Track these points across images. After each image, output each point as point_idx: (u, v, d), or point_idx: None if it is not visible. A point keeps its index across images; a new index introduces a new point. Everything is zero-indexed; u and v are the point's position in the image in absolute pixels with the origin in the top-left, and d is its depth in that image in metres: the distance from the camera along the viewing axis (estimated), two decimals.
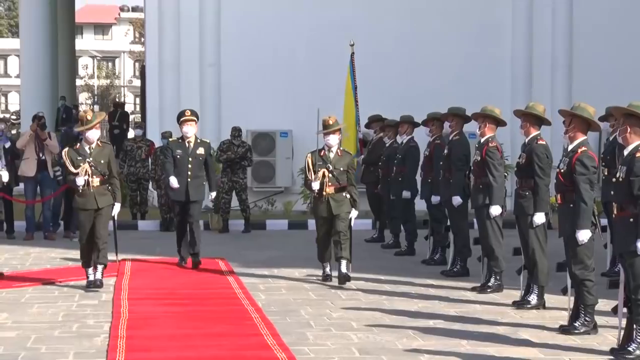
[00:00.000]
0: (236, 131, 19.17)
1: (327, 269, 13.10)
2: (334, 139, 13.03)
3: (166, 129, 19.28)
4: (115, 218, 12.97)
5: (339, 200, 12.89)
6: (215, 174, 15.62)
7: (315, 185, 12.83)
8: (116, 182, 12.70)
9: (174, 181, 14.19)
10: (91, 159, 12.31)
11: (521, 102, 19.06)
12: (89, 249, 12.45)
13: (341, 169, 12.93)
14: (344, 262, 12.78)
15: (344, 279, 12.69)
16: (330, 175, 12.87)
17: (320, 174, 12.85)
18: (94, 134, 12.47)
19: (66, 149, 12.68)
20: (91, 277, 12.47)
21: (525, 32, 23.12)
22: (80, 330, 10.13)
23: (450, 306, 11.58)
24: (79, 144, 12.67)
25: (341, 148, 13.32)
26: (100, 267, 12.47)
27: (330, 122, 13.13)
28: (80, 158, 12.30)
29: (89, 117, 12.46)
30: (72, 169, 12.28)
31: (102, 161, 12.39)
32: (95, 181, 12.33)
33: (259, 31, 22.55)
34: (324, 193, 12.83)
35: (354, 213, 13.08)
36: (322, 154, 13.06)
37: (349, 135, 17.52)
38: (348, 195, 12.99)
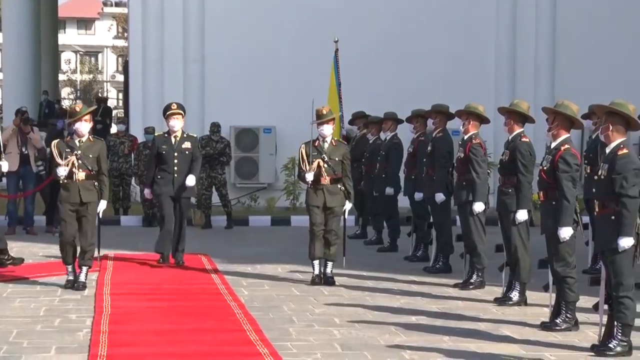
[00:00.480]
0: (215, 127, 19.23)
1: (317, 269, 12.63)
2: (327, 129, 12.76)
3: (149, 125, 19.29)
4: (100, 216, 12.63)
5: (333, 192, 12.60)
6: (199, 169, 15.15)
7: (309, 177, 12.50)
8: (105, 180, 12.32)
9: (147, 193, 14.22)
10: (79, 152, 12.00)
11: (505, 100, 19.12)
12: (70, 245, 12.09)
13: (337, 159, 12.64)
14: (330, 264, 12.68)
15: (330, 282, 12.58)
16: (325, 165, 12.56)
17: (315, 164, 12.53)
18: (83, 127, 12.14)
19: (56, 141, 12.43)
20: (70, 277, 12.20)
21: (509, 31, 23.20)
22: (62, 325, 10.12)
23: (433, 302, 11.61)
24: (69, 137, 12.46)
25: (335, 138, 13.08)
26: (84, 269, 12.18)
27: (324, 112, 12.89)
28: (69, 150, 12.01)
29: (77, 109, 12.32)
30: (59, 160, 11.98)
31: (90, 156, 12.07)
32: (81, 175, 11.98)
33: (243, 27, 22.54)
34: (320, 183, 12.50)
35: (347, 205, 12.85)
36: (316, 144, 12.77)
37: (333, 131, 17.51)
38: (342, 187, 12.69)
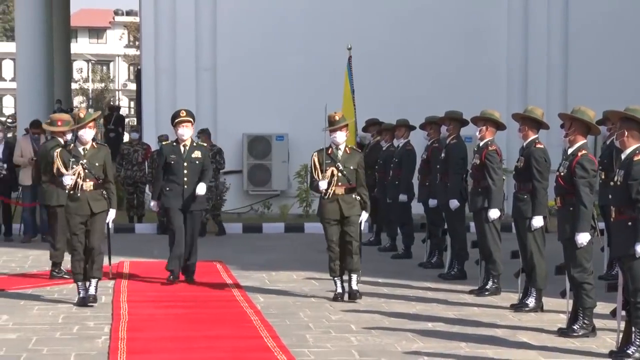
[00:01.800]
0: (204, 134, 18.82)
1: (339, 286, 11.92)
2: (341, 136, 11.95)
3: (162, 133, 19.29)
4: (110, 225, 12.23)
5: (349, 202, 11.80)
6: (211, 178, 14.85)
7: (323, 185, 11.72)
8: (112, 187, 11.74)
9: (153, 206, 13.57)
10: (85, 161, 11.40)
11: (517, 106, 19.19)
12: (82, 260, 11.44)
13: (351, 167, 11.82)
14: (354, 277, 11.89)
15: (355, 296, 11.86)
16: (339, 174, 11.77)
17: (328, 173, 11.73)
18: (87, 134, 11.52)
19: (58, 150, 11.80)
20: (82, 294, 11.47)
21: (521, 37, 23.19)
22: (81, 332, 10.14)
23: (449, 309, 11.61)
24: (72, 145, 11.86)
25: (349, 146, 12.32)
26: (94, 281, 11.53)
27: (337, 118, 12.00)
28: (74, 160, 11.38)
29: (82, 115, 11.70)
30: (63, 170, 11.36)
31: (97, 164, 11.48)
32: (88, 185, 11.41)
33: (254, 35, 22.58)
34: (334, 193, 11.76)
35: (364, 216, 12.05)
36: (329, 152, 11.94)
37: (349, 138, 17.52)
38: (358, 197, 11.92)
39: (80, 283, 11.49)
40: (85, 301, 11.41)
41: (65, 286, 12.90)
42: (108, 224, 12.00)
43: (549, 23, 23.17)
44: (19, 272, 14.49)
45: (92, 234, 11.45)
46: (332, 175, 11.76)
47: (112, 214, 11.76)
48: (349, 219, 11.82)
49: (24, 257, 16.10)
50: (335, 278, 11.93)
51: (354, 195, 11.91)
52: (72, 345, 9.51)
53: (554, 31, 23.18)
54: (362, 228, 12.23)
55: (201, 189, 12.92)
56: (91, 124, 11.59)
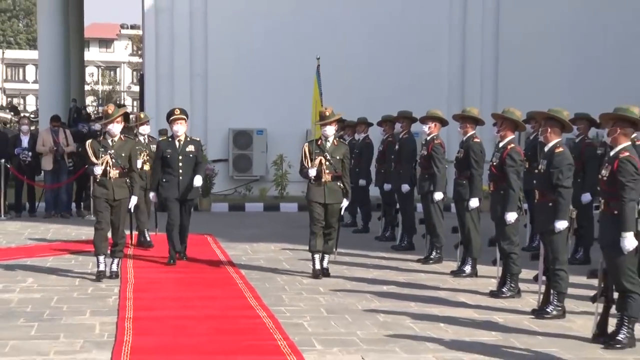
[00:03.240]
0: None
1: (317, 264, 11.23)
2: (330, 130, 11.23)
3: (161, 127, 19.16)
4: (132, 211, 11.50)
5: (333, 190, 11.16)
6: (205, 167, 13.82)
7: (312, 172, 11.05)
8: (135, 176, 11.09)
9: (152, 197, 12.40)
10: (112, 151, 10.87)
11: (456, 107, 19.22)
12: (104, 236, 10.89)
13: (338, 157, 11.18)
14: (327, 257, 11.43)
15: (325, 273, 11.31)
16: (327, 163, 11.11)
17: (317, 161, 11.09)
18: (115, 128, 10.95)
19: (89, 141, 11.23)
20: (101, 268, 10.90)
21: (459, 50, 23.23)
22: (95, 292, 10.15)
23: (400, 274, 11.68)
24: (102, 137, 11.16)
25: (336, 138, 11.57)
26: (116, 260, 11.10)
27: (327, 114, 11.27)
28: (102, 150, 10.86)
29: (110, 111, 11.06)
30: (93, 159, 10.84)
31: (123, 154, 10.92)
32: (114, 173, 10.84)
33: (239, 47, 22.52)
34: (323, 180, 11.13)
35: (344, 203, 11.38)
36: (319, 143, 11.28)
37: (316, 133, 17.47)
38: (341, 185, 11.28)
39: (100, 257, 10.92)
40: (102, 275, 10.83)
41: (81, 254, 12.82)
42: (130, 209, 11.40)
43: (482, 39, 23.21)
44: (42, 243, 14.41)
45: (115, 217, 10.96)
46: (321, 163, 11.16)
47: (133, 200, 11.18)
48: (332, 207, 11.20)
49: (46, 230, 16.01)
50: (315, 254, 11.20)
51: (338, 183, 11.24)
52: (88, 303, 9.53)
53: (487, 46, 23.24)
54: (341, 213, 11.70)
55: (198, 181, 12.17)
56: (119, 119, 11.00)
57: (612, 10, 23.22)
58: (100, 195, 10.87)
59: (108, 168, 10.82)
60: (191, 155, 12.17)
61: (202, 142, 13.35)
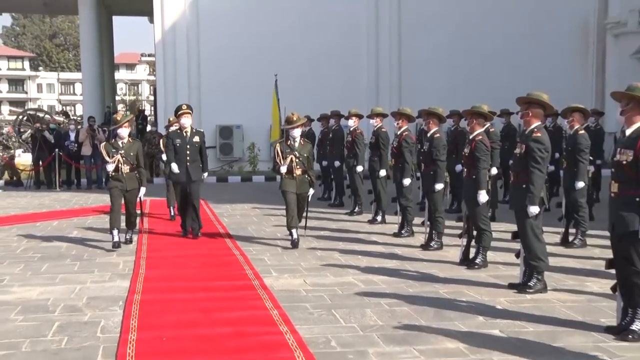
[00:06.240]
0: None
1: (295, 236, 9.57)
2: (297, 132, 9.67)
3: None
4: (142, 199, 9.96)
5: (302, 181, 9.68)
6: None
7: (284, 169, 9.59)
8: (142, 171, 9.77)
9: (174, 167, 10.59)
10: (123, 151, 9.57)
11: (372, 105, 19.04)
12: (118, 213, 9.60)
13: (305, 154, 9.68)
14: (296, 231, 9.56)
15: (296, 243, 9.53)
16: (297, 160, 9.60)
17: (288, 159, 9.60)
18: (123, 132, 9.64)
19: (103, 143, 9.89)
20: (116, 239, 9.51)
21: (374, 66, 23.09)
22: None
23: (332, 223, 11.44)
24: (114, 139, 9.81)
25: (302, 138, 9.95)
26: (131, 231, 9.97)
27: (294, 118, 9.69)
28: (114, 150, 9.56)
29: (118, 118, 9.77)
30: (107, 158, 9.54)
31: (131, 154, 9.62)
32: (126, 168, 9.56)
33: (225, 67, 22.28)
34: (295, 175, 9.65)
35: (311, 191, 9.80)
36: (288, 143, 9.68)
37: (274, 129, 17.14)
38: (308, 178, 9.75)
39: (115, 231, 9.54)
40: (117, 245, 9.49)
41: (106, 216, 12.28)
42: (140, 197, 10.03)
43: (389, 57, 23.12)
44: (84, 206, 14.21)
45: (128, 204, 9.74)
46: (292, 161, 9.64)
47: (142, 190, 9.79)
48: (302, 195, 9.77)
49: (87, 198, 15.83)
50: (292, 230, 9.55)
51: (305, 176, 9.74)
52: (115, 248, 9.36)
53: (393, 62, 23.13)
54: (309, 200, 10.09)
55: (204, 175, 10.77)
56: (126, 124, 9.71)
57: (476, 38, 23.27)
58: (114, 187, 9.57)
59: (120, 165, 9.55)
60: (197, 145, 10.78)
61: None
